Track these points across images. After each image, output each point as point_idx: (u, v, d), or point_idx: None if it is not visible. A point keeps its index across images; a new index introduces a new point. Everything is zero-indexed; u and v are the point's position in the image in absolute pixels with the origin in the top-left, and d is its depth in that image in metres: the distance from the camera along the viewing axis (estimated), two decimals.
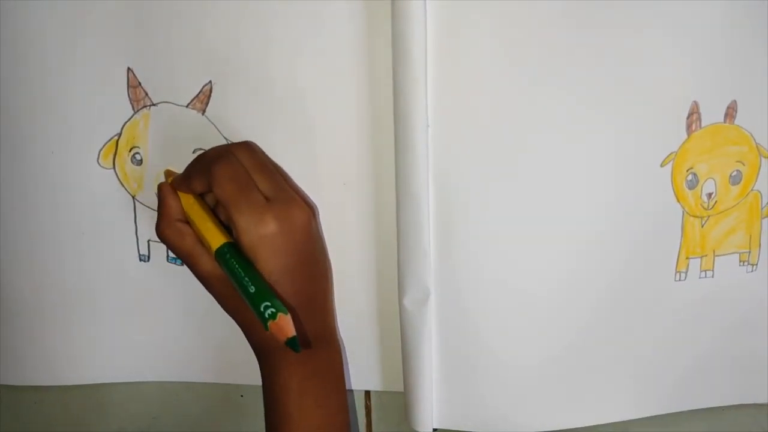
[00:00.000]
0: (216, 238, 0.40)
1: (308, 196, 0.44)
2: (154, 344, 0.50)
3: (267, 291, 0.38)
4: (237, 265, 0.39)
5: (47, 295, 0.49)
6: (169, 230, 0.42)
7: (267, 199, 0.41)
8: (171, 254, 0.47)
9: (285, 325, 0.37)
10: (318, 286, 0.44)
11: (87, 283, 0.48)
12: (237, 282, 0.39)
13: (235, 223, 0.40)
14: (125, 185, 0.46)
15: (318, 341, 0.43)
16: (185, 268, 0.47)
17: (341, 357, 0.45)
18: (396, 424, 0.50)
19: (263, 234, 0.40)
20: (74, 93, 0.44)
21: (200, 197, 0.43)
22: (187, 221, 0.42)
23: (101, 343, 0.50)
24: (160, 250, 0.47)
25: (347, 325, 0.47)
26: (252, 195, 0.40)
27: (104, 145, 0.45)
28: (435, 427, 0.47)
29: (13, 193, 0.47)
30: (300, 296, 0.41)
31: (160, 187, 0.44)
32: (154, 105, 0.44)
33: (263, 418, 0.51)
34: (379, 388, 0.49)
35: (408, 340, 0.45)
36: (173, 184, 0.43)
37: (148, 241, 0.47)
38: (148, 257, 0.47)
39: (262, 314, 0.38)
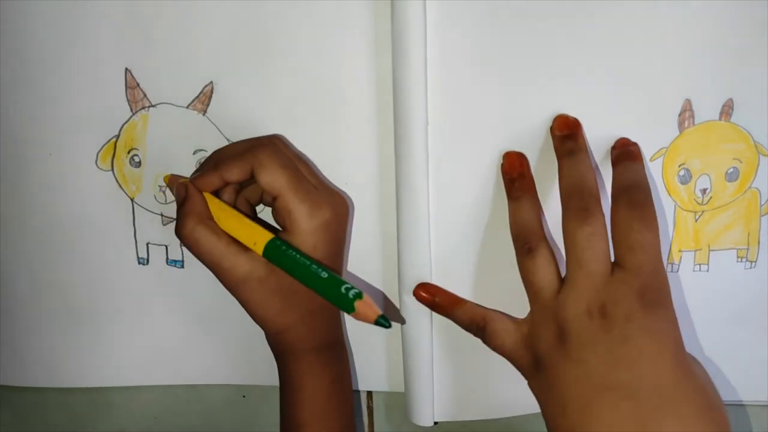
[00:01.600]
0: (261, 233, 0.39)
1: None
2: (154, 347, 0.49)
3: (336, 274, 0.38)
4: (298, 255, 0.38)
5: (47, 297, 0.48)
6: (201, 229, 0.39)
7: (315, 188, 0.41)
8: (170, 257, 0.47)
9: (373, 303, 0.37)
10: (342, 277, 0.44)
11: (86, 286, 0.48)
12: (301, 272, 0.38)
13: (294, 211, 0.39)
14: (124, 187, 0.46)
15: (336, 342, 0.44)
16: (185, 270, 0.47)
17: (348, 359, 0.46)
18: (398, 425, 0.50)
19: (323, 220, 0.40)
20: (72, 94, 0.44)
21: (218, 198, 0.41)
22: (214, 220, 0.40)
23: (101, 346, 0.49)
24: (159, 253, 0.47)
25: (349, 325, 0.47)
26: (305, 183, 0.40)
27: (102, 147, 0.45)
28: (436, 420, 0.48)
29: (11, 196, 0.46)
30: None
31: (182, 185, 0.41)
32: (152, 106, 0.44)
33: (264, 418, 0.51)
34: (380, 389, 0.49)
35: (408, 336, 0.45)
36: (197, 183, 0.41)
37: (147, 243, 0.47)
38: (147, 260, 0.47)
39: (344, 296, 0.37)
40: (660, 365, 0.36)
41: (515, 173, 0.41)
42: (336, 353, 0.44)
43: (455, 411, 0.48)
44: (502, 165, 0.42)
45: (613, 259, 0.38)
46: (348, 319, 0.47)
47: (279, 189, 0.39)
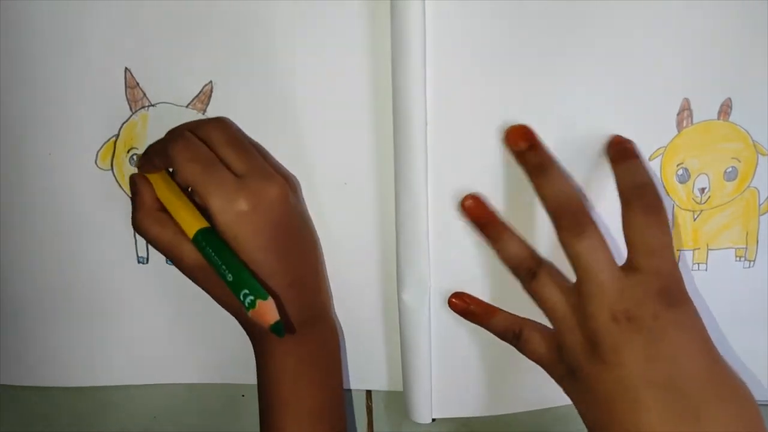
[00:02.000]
0: (191, 225, 0.39)
1: (289, 172, 0.43)
2: (153, 347, 0.49)
3: (246, 277, 0.37)
4: (213, 253, 0.38)
5: (46, 296, 0.48)
6: (147, 221, 0.41)
7: (239, 176, 0.39)
8: None
9: (266, 312, 0.36)
10: (306, 262, 0.43)
11: (85, 285, 0.48)
12: (216, 270, 0.38)
13: (207, 206, 0.38)
14: (123, 187, 0.46)
15: (311, 320, 0.42)
16: None
17: (337, 336, 0.45)
18: (397, 424, 0.50)
19: (238, 213, 0.38)
20: (71, 94, 0.44)
21: (177, 186, 0.41)
22: (165, 210, 0.41)
23: (100, 345, 0.49)
24: (158, 252, 0.47)
25: (348, 324, 0.47)
26: (219, 174, 0.39)
27: (102, 147, 0.45)
28: (434, 417, 0.48)
29: (10, 195, 0.46)
30: (288, 274, 0.41)
31: (132, 177, 0.42)
32: (152, 105, 0.44)
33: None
34: (379, 388, 0.49)
35: (407, 334, 0.45)
36: (139, 168, 0.42)
37: (147, 243, 0.47)
38: (147, 259, 0.47)
39: (242, 302, 0.37)
40: (696, 358, 0.37)
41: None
42: (310, 330, 0.42)
43: (453, 408, 0.48)
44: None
45: (623, 262, 0.39)
46: (343, 318, 0.47)
47: (190, 183, 0.39)
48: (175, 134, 0.40)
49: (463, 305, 0.44)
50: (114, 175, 0.45)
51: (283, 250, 0.40)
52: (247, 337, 0.47)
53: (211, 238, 0.38)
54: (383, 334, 0.47)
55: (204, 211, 0.40)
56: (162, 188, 0.41)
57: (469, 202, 0.42)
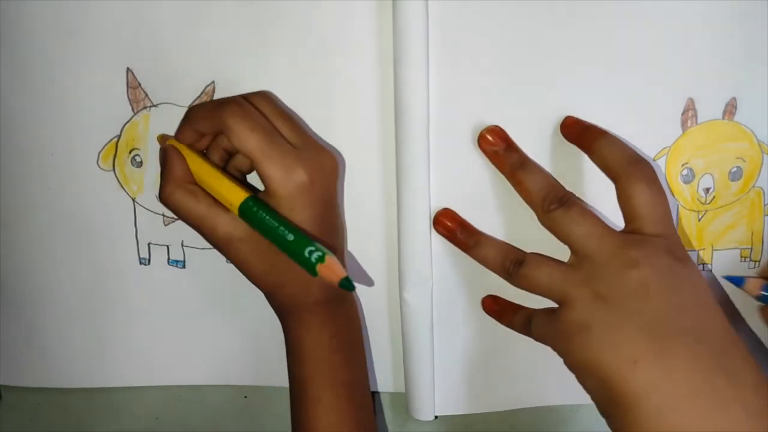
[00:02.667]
0: (237, 194, 0.39)
1: (331, 145, 0.43)
2: (154, 348, 0.49)
3: (306, 236, 0.37)
4: (268, 216, 0.38)
5: (48, 297, 0.48)
6: (180, 193, 0.40)
7: (294, 147, 0.39)
8: (172, 257, 0.47)
9: (336, 266, 0.36)
10: (339, 239, 0.43)
11: (87, 287, 0.48)
12: (270, 234, 0.38)
13: (266, 175, 0.38)
14: (125, 187, 0.46)
15: (340, 297, 0.43)
16: (186, 270, 0.47)
17: (359, 315, 0.45)
18: (401, 425, 0.50)
19: (298, 183, 0.38)
20: (73, 94, 0.43)
21: (205, 155, 0.41)
22: (196, 183, 0.41)
23: (102, 346, 0.49)
24: (160, 253, 0.47)
25: None
26: (280, 144, 0.39)
27: (104, 147, 0.45)
28: (436, 415, 0.48)
29: (12, 195, 0.46)
30: (328, 248, 0.40)
31: (162, 149, 0.41)
32: (154, 106, 0.44)
33: (265, 419, 0.51)
34: (385, 389, 0.49)
35: (409, 333, 0.45)
36: (176, 137, 0.41)
37: (149, 244, 0.47)
38: (149, 260, 0.47)
39: (307, 260, 0.36)
40: (712, 311, 0.36)
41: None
42: (338, 308, 0.43)
43: (455, 405, 0.48)
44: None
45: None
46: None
47: (249, 152, 0.38)
48: (229, 101, 0.40)
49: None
50: (116, 176, 0.45)
51: (327, 225, 0.41)
52: (249, 339, 0.48)
53: (262, 205, 0.38)
54: (388, 335, 0.47)
55: (244, 184, 0.40)
56: (195, 161, 0.41)
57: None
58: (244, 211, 0.38)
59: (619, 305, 0.36)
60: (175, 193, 0.40)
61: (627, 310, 0.36)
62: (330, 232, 0.41)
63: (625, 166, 0.39)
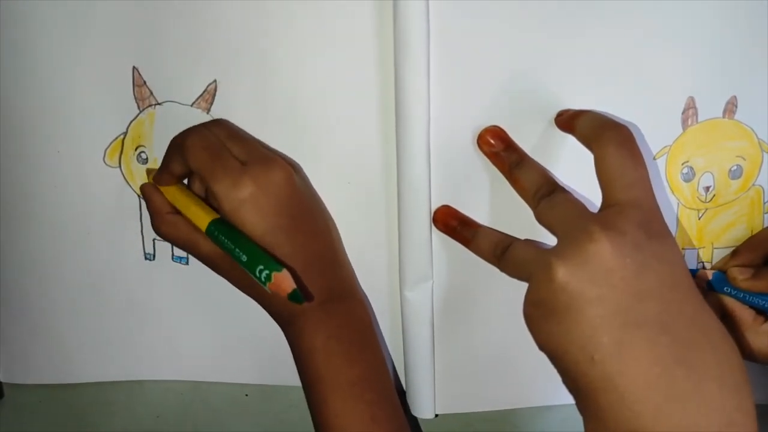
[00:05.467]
0: (202, 219, 0.40)
1: (289, 156, 0.44)
2: (158, 343, 0.50)
3: (259, 255, 0.38)
4: (225, 239, 0.39)
5: (52, 293, 0.49)
6: (163, 224, 0.43)
7: (243, 163, 0.40)
8: (176, 253, 0.47)
9: (282, 282, 0.37)
10: (323, 241, 0.43)
11: (92, 282, 0.48)
12: (232, 256, 0.39)
13: (213, 192, 0.40)
14: (131, 184, 0.46)
15: (337, 296, 0.43)
16: (190, 267, 0.47)
17: (366, 308, 0.45)
18: None
19: (242, 197, 0.39)
20: (80, 92, 0.44)
21: (185, 187, 0.43)
22: (178, 212, 0.43)
23: (106, 342, 0.50)
24: (165, 249, 0.47)
25: None
26: (226, 161, 0.40)
27: (110, 144, 0.45)
28: (437, 413, 0.48)
29: (19, 192, 0.47)
30: (303, 253, 0.41)
31: (141, 187, 0.44)
32: (159, 104, 0.44)
33: (266, 417, 0.51)
34: None
35: (409, 330, 0.46)
36: (154, 181, 0.44)
37: (154, 239, 0.47)
38: (154, 256, 0.48)
39: (259, 279, 0.37)
40: (682, 293, 0.35)
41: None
42: (337, 306, 0.42)
43: (456, 403, 0.48)
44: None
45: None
46: None
47: (200, 172, 0.40)
48: (190, 128, 0.42)
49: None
50: (122, 173, 0.46)
51: (293, 231, 0.41)
52: (251, 337, 0.48)
53: (223, 227, 0.40)
54: (389, 334, 0.48)
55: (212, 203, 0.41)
56: (171, 191, 0.43)
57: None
58: (209, 235, 0.40)
59: (581, 293, 0.34)
60: (160, 226, 0.43)
61: (587, 298, 0.34)
62: (300, 236, 0.41)
63: (597, 130, 0.38)
